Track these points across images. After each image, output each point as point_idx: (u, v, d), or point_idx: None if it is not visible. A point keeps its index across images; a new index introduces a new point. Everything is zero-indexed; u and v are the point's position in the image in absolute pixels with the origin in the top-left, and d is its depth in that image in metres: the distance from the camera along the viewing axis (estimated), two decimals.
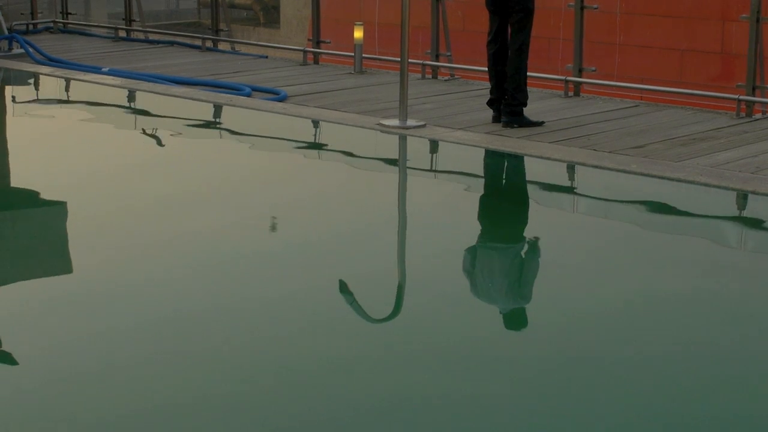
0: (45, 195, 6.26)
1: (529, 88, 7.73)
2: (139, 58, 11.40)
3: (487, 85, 8.20)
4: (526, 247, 5.59)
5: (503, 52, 7.66)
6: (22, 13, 13.38)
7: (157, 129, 8.40)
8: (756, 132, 7.47)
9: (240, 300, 4.50)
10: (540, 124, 7.63)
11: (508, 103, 7.61)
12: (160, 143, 7.85)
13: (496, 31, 7.70)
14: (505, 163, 7.10)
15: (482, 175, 7.12)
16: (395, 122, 7.59)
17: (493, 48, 7.71)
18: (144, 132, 8.36)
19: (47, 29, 13.42)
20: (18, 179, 6.90)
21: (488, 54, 7.76)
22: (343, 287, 4.65)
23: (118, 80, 9.74)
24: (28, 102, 9.82)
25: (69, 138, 8.10)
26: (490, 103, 7.82)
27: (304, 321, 4.30)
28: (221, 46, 12.09)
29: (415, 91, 8.70)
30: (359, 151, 7.60)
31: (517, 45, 7.55)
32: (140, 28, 13.25)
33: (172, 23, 16.19)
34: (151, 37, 12.92)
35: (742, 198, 6.04)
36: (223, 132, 8.44)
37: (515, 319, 4.54)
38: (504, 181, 7.11)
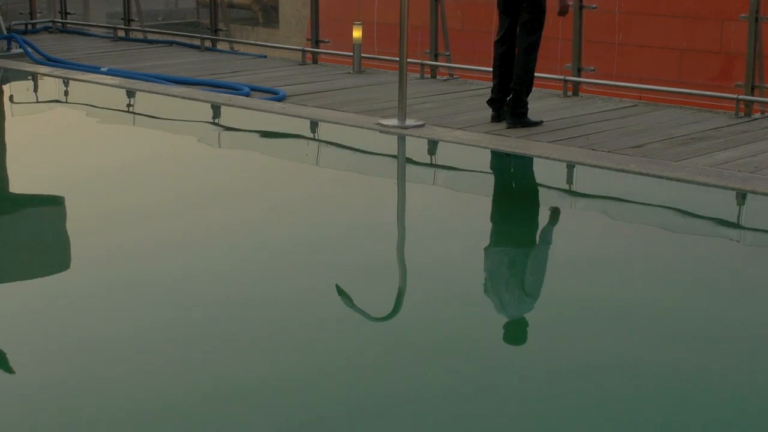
0: (44, 195, 6.26)
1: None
2: (138, 57, 11.40)
3: (486, 84, 8.20)
4: (524, 246, 5.59)
5: (511, 53, 7.62)
6: (21, 13, 13.38)
7: (155, 129, 8.40)
8: (755, 131, 7.47)
9: (238, 300, 4.50)
10: (539, 123, 7.63)
11: (513, 105, 7.57)
12: (158, 143, 7.84)
13: (505, 31, 7.64)
14: (505, 163, 7.09)
15: (481, 175, 7.12)
16: (394, 122, 7.59)
17: (501, 48, 7.65)
18: (143, 132, 8.35)
19: (46, 29, 13.41)
20: (17, 179, 6.90)
21: (495, 53, 7.70)
22: (340, 291, 4.65)
23: (117, 80, 9.74)
24: (27, 102, 9.82)
25: (68, 138, 8.10)
26: (490, 102, 7.80)
27: (304, 321, 4.30)
28: (220, 45, 12.09)
29: (414, 91, 8.70)
30: (358, 150, 7.60)
31: (527, 45, 7.49)
32: (139, 28, 13.25)
33: (171, 23, 16.18)
34: (150, 36, 12.91)
35: (741, 197, 6.04)
36: (222, 132, 8.44)
37: (514, 318, 4.54)
38: (503, 180, 7.10)
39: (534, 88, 7.80)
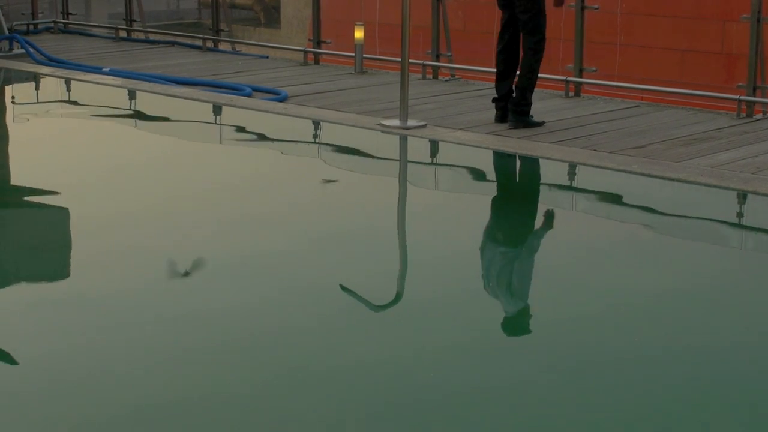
0: (46, 195, 6.26)
1: None
2: (140, 58, 11.40)
3: (488, 84, 8.18)
4: (526, 247, 5.59)
5: (508, 50, 7.63)
6: (22, 13, 13.37)
7: (157, 129, 8.40)
8: (757, 132, 7.47)
9: (241, 300, 4.50)
10: (541, 124, 7.63)
11: (516, 103, 7.57)
12: (160, 143, 7.84)
13: (505, 22, 7.65)
14: (506, 164, 7.10)
15: (482, 175, 7.12)
16: (396, 122, 7.59)
17: (499, 46, 7.68)
18: (144, 132, 8.35)
19: (48, 29, 13.41)
20: (19, 179, 6.90)
21: (497, 47, 7.72)
22: (341, 291, 4.65)
23: (118, 80, 9.74)
24: (29, 102, 9.82)
25: (70, 138, 8.10)
26: (495, 101, 7.79)
27: (305, 321, 4.30)
28: (222, 46, 12.09)
29: (415, 92, 8.70)
30: (360, 151, 7.60)
31: (530, 46, 7.49)
32: (141, 29, 13.25)
33: (172, 23, 16.19)
34: (152, 37, 12.91)
35: (743, 198, 6.04)
36: (223, 132, 8.44)
37: (516, 318, 4.54)
38: (504, 181, 7.10)
39: (535, 89, 7.80)
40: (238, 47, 12.22)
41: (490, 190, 6.81)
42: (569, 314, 4.39)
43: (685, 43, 11.07)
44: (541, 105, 8.30)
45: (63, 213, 5.92)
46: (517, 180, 7.07)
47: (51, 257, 5.23)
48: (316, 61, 10.89)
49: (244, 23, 17.94)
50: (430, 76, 9.87)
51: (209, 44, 11.96)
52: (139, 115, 9.01)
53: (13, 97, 10.12)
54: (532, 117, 7.61)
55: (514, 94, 7.64)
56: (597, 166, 6.59)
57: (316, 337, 4.16)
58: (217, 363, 3.90)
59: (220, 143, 7.95)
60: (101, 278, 4.82)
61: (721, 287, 4.80)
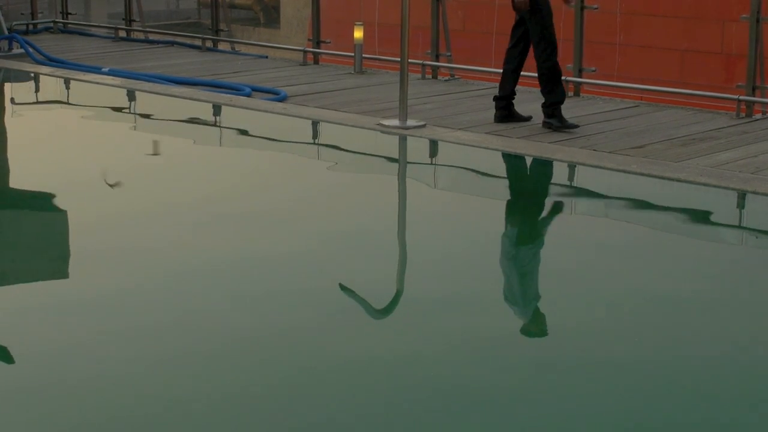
0: (45, 195, 6.26)
1: (529, 89, 7.69)
2: (139, 58, 11.40)
3: (488, 84, 8.16)
4: (525, 247, 5.59)
5: (516, 49, 7.64)
6: (22, 13, 13.38)
7: (156, 129, 8.40)
8: (756, 132, 7.47)
9: (240, 301, 4.50)
10: (575, 126, 7.54)
11: (543, 104, 7.57)
12: (159, 143, 7.84)
13: (514, 26, 7.66)
14: (505, 164, 7.09)
15: (481, 175, 7.11)
16: (395, 122, 7.59)
17: (510, 43, 7.70)
18: (144, 132, 8.35)
19: (47, 29, 13.42)
20: (18, 179, 6.90)
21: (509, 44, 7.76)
22: (341, 291, 4.65)
23: (118, 80, 9.74)
24: (28, 102, 9.82)
25: (69, 138, 8.10)
26: (494, 99, 7.79)
27: (305, 322, 4.30)
28: (221, 46, 12.09)
29: (415, 91, 8.70)
30: (359, 151, 7.60)
31: (535, 45, 7.51)
32: (140, 28, 13.25)
33: (172, 23, 16.18)
34: (151, 37, 12.91)
35: (742, 198, 6.04)
36: (223, 132, 8.44)
37: (515, 318, 4.54)
38: (504, 181, 7.10)
39: (535, 89, 7.80)
40: (237, 47, 12.23)
41: (490, 189, 6.80)
42: (568, 314, 4.39)
43: (685, 43, 11.08)
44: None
45: (61, 212, 5.92)
46: (517, 180, 7.07)
47: (49, 256, 5.23)
48: (316, 61, 10.89)
49: (243, 23, 17.95)
50: (430, 76, 9.87)
51: (209, 44, 11.96)
52: (138, 116, 9.01)
53: (12, 97, 10.12)
54: (565, 119, 7.53)
55: (515, 96, 7.66)
56: (596, 166, 6.59)
57: (317, 336, 4.16)
58: (216, 363, 3.90)
59: (220, 143, 7.94)
60: (100, 277, 4.81)
61: (720, 287, 4.80)
